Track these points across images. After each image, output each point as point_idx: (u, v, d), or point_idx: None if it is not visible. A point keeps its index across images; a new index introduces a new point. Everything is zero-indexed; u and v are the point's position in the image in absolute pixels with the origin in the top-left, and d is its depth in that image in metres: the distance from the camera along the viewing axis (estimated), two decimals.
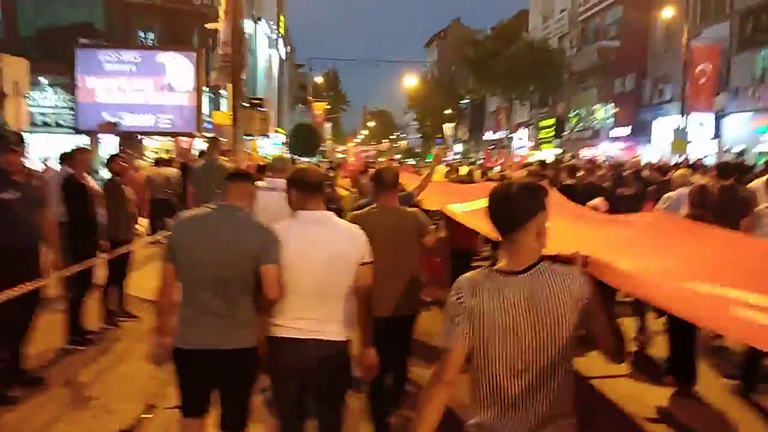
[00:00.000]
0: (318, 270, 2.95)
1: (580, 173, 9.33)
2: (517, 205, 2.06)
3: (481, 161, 26.02)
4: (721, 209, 5.53)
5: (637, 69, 30.20)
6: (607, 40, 32.81)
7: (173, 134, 18.97)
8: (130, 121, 18.76)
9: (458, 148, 57.24)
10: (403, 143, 76.35)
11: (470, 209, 4.86)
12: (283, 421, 3.12)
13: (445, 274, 6.72)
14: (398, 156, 58.01)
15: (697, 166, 11.92)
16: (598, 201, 6.11)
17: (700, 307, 2.20)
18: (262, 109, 12.66)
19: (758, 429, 4.61)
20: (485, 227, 2.88)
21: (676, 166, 12.45)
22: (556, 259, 2.19)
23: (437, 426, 2.10)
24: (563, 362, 2.05)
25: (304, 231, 3.01)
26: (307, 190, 3.07)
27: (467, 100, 57.63)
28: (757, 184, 7.56)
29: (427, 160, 42.75)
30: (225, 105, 18.67)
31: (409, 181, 6.65)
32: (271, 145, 42.14)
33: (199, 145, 16.83)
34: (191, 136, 18.77)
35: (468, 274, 2.16)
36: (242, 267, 2.95)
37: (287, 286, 2.96)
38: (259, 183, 3.93)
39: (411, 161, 45.68)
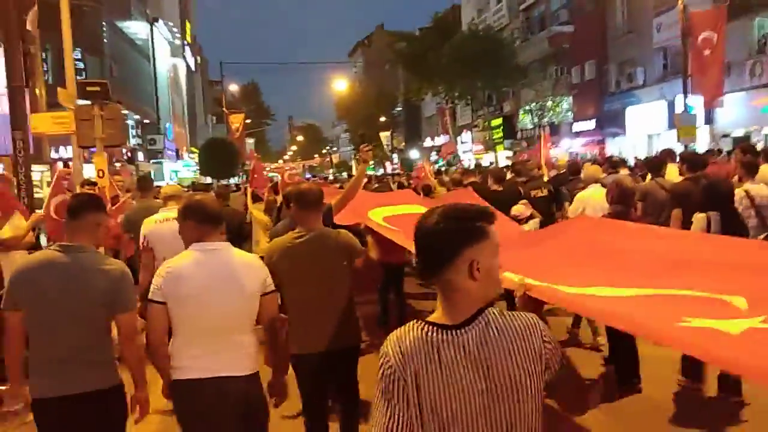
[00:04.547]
0: (218, 305, 2.83)
1: (509, 177, 8.93)
2: (437, 237, 1.63)
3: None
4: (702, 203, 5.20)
5: (597, 55, 26.69)
6: (558, 24, 29.19)
7: None
8: None
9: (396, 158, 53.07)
10: (335, 157, 71.80)
11: (391, 214, 4.80)
12: None
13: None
14: (331, 170, 53.57)
15: (614, 162, 10.45)
16: (520, 208, 6.63)
17: (647, 325, 2.01)
18: (107, 102, 7.19)
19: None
20: (404, 239, 2.99)
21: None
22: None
23: None
24: None
25: (201, 265, 2.86)
26: (207, 221, 2.95)
27: (399, 108, 53.66)
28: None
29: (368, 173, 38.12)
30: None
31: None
32: (182, 167, 36.61)
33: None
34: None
35: (396, 334, 1.68)
36: (92, 313, 2.86)
37: (185, 323, 2.84)
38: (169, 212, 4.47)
39: (344, 175, 41.13)
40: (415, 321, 1.69)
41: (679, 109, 17.46)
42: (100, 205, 3.07)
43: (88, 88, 7.56)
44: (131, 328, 2.92)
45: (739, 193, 5.68)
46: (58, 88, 8.34)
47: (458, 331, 1.62)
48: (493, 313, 1.66)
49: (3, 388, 4.66)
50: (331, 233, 3.69)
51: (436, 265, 1.63)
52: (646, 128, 23.20)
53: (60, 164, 15.40)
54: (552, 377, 1.73)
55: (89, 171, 9.81)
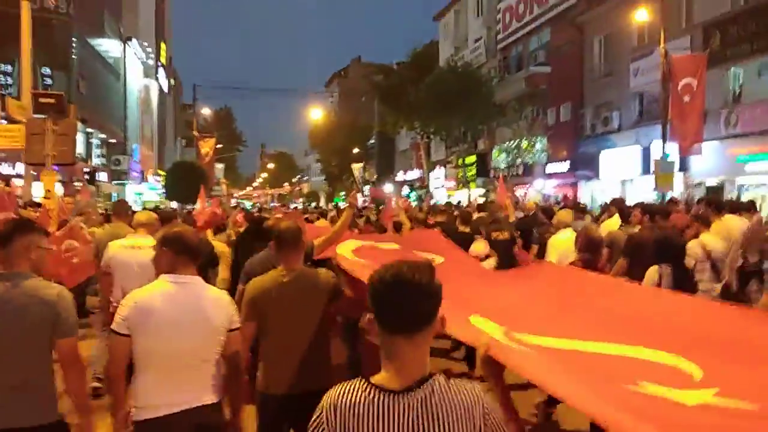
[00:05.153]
0: (185, 339, 2.79)
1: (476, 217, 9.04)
2: (433, 296, 1.61)
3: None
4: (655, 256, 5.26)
5: (573, 97, 26.85)
6: (535, 65, 29.38)
7: None
8: None
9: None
10: (305, 186, 71.00)
11: (360, 246, 4.75)
12: None
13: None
14: (301, 200, 52.79)
15: (581, 208, 10.60)
16: (480, 246, 6.77)
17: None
18: (62, 116, 6.47)
19: None
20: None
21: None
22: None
23: None
24: None
25: (171, 298, 2.83)
26: (184, 253, 2.93)
27: (373, 141, 53.46)
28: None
29: (338, 203, 37.62)
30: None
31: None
32: (146, 190, 35.50)
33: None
34: None
35: (336, 392, 1.66)
36: (31, 343, 2.75)
37: (150, 357, 2.79)
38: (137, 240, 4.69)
39: (313, 205, 40.53)
40: (359, 380, 1.65)
41: (657, 155, 17.39)
42: (32, 227, 2.94)
43: (41, 100, 6.84)
44: (72, 354, 2.82)
45: (694, 246, 5.76)
46: (8, 99, 7.57)
47: (403, 395, 1.58)
48: (439, 381, 1.62)
49: None
50: (312, 273, 3.65)
51: (421, 323, 1.59)
52: (619, 173, 23.18)
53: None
54: None
55: (40, 190, 9.01)
